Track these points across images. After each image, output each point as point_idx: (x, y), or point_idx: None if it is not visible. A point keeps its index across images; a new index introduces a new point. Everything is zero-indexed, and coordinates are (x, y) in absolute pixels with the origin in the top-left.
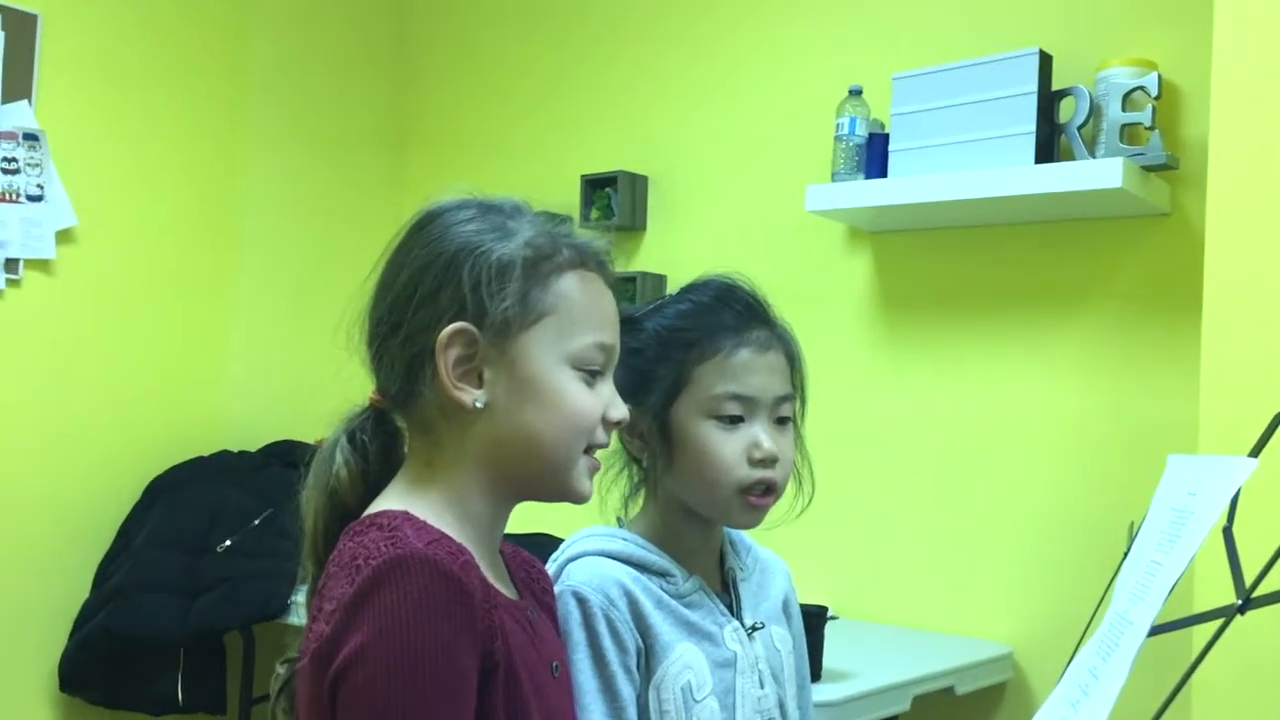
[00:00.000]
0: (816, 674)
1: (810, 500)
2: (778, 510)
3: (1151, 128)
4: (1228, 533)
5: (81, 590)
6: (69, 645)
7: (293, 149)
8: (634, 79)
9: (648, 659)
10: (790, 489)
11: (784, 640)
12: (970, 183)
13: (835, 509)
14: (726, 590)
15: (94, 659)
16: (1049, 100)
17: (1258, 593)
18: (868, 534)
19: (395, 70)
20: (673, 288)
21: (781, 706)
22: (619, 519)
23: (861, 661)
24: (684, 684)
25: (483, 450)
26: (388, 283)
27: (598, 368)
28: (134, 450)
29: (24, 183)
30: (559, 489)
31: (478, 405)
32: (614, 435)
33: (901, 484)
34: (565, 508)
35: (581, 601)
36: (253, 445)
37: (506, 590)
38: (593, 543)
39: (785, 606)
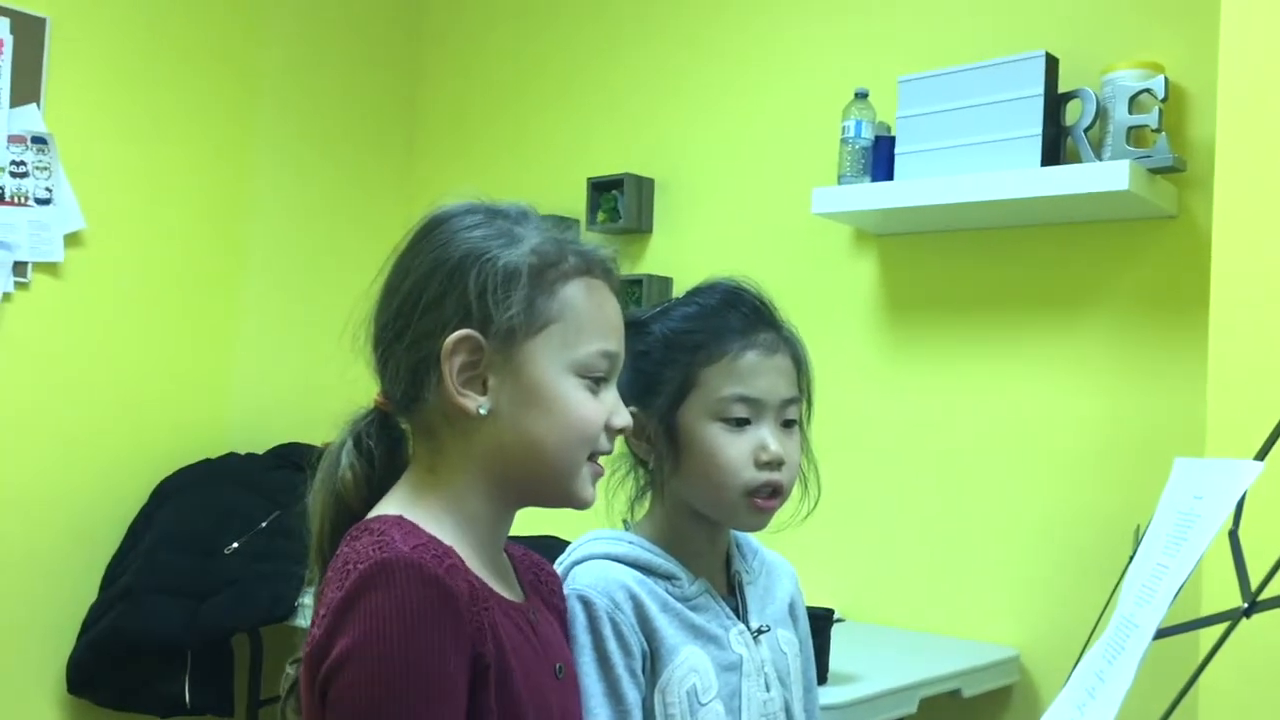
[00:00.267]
0: (823, 677)
1: (816, 503)
2: (784, 513)
3: (1158, 130)
4: (1234, 536)
5: (89, 592)
6: (77, 647)
7: (301, 152)
8: (640, 82)
9: (653, 662)
10: (796, 492)
11: (790, 643)
12: (976, 185)
13: (841, 511)
14: (733, 593)
15: (102, 661)
16: (1055, 103)
17: (1264, 596)
18: (874, 536)
19: (403, 73)
20: (679, 290)
21: (787, 710)
22: (625, 522)
23: (868, 664)
24: (689, 687)
25: (486, 456)
26: (393, 287)
27: (602, 375)
28: (142, 452)
29: (32, 186)
30: (562, 495)
31: (482, 412)
32: (619, 439)
33: (908, 486)
34: (571, 510)
35: (587, 605)
36: (260, 447)
37: (509, 592)
38: (598, 546)
39: (791, 609)
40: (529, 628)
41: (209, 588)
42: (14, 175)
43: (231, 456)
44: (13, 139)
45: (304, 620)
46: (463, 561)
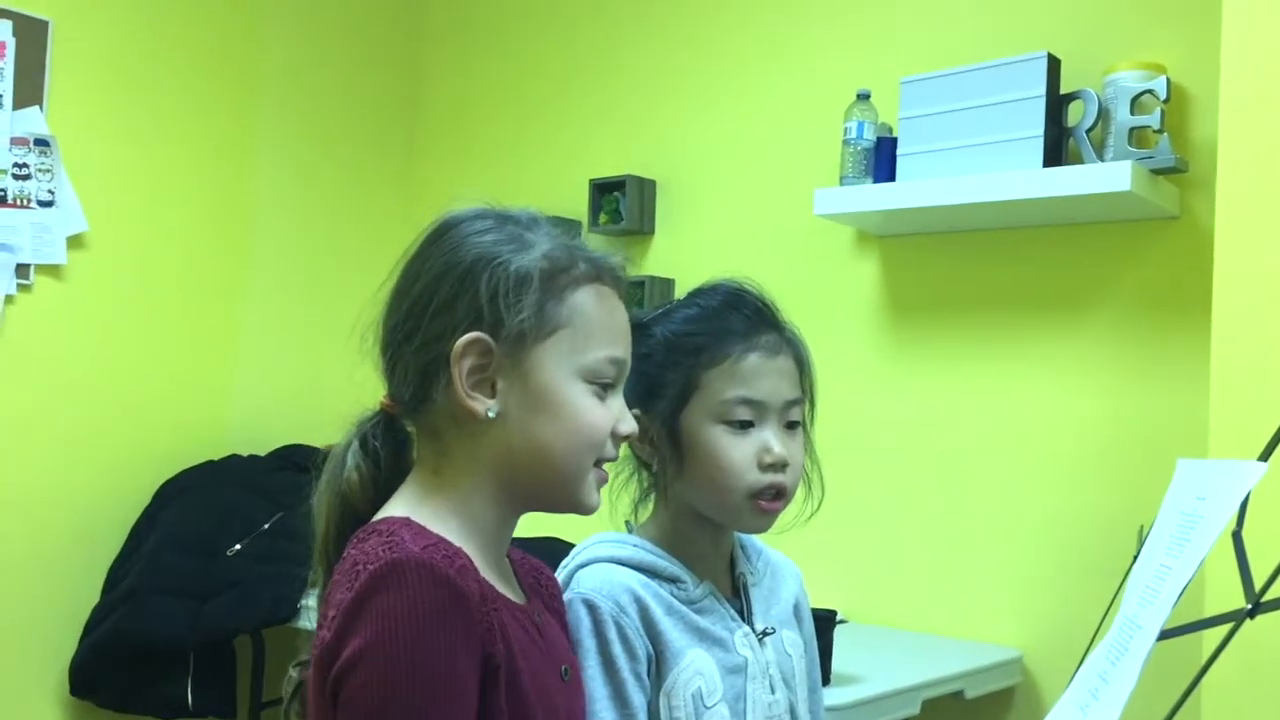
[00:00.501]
0: (826, 678)
1: (820, 504)
2: (788, 514)
3: (1160, 131)
4: (1237, 537)
5: (92, 594)
6: (79, 649)
7: (302, 153)
8: (642, 83)
9: (658, 665)
10: (800, 493)
11: (795, 645)
12: (978, 186)
13: (844, 513)
14: (737, 595)
15: (104, 663)
16: (1057, 104)
17: (1267, 597)
18: (877, 538)
19: (403, 74)
20: (681, 292)
21: (792, 711)
22: (629, 524)
23: (871, 666)
24: (694, 690)
25: (492, 459)
26: (403, 290)
27: (609, 381)
28: (144, 454)
29: (35, 188)
30: (567, 500)
31: (490, 415)
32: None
33: (910, 487)
34: None
35: (591, 609)
36: (263, 449)
37: (513, 595)
38: (602, 549)
39: (796, 610)
40: (535, 630)
41: (211, 589)
42: (16, 177)
43: (233, 458)
44: (15, 141)
45: (307, 622)
46: (472, 562)
